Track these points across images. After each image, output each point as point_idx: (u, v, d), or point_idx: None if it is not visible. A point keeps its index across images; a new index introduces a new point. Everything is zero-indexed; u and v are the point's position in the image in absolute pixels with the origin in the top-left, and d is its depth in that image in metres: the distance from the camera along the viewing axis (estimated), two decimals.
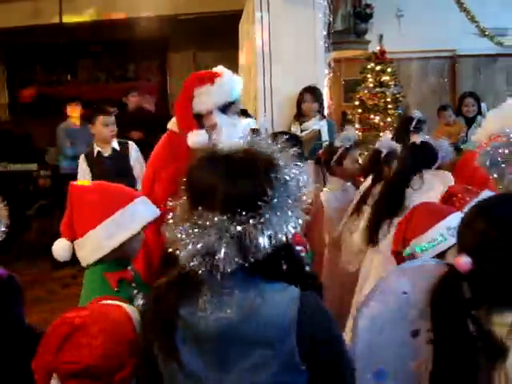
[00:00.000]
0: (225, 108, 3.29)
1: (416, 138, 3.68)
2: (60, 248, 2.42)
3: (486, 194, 2.77)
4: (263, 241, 1.49)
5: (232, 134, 3.17)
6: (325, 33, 6.30)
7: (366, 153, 6.56)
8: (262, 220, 1.49)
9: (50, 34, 9.42)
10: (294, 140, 3.51)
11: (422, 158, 3.50)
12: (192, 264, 1.52)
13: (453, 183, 3.31)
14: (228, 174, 1.55)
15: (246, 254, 1.50)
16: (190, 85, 3.30)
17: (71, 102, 8.07)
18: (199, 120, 3.28)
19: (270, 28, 5.98)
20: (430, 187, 3.29)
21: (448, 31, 9.05)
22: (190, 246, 1.51)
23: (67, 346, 1.80)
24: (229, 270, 1.50)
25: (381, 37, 7.32)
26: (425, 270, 1.54)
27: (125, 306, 2.02)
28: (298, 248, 2.60)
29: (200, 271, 1.53)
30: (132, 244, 2.38)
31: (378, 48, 7.24)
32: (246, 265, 1.52)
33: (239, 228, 1.48)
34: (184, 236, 1.53)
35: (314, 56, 6.07)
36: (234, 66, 6.78)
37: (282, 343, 1.52)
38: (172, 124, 3.43)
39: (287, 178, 1.55)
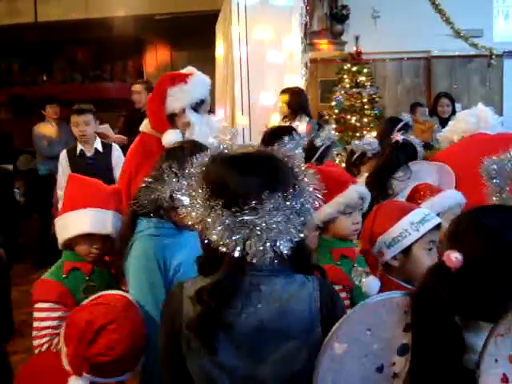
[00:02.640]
0: (197, 106, 3.33)
1: (398, 137, 3.73)
2: None
3: (449, 193, 2.83)
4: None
5: (205, 132, 3.21)
6: (301, 33, 6.31)
7: (342, 153, 6.63)
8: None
9: (26, 33, 9.33)
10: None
11: (405, 156, 3.56)
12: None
13: (451, 175, 3.36)
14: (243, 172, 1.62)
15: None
16: (163, 85, 3.34)
17: (48, 102, 7.98)
18: (172, 120, 3.31)
19: (246, 28, 5.98)
20: (418, 177, 3.34)
21: (423, 32, 9.13)
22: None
23: (100, 340, 2.00)
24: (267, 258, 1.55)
25: (357, 38, 7.38)
26: (390, 303, 1.53)
27: (127, 295, 2.23)
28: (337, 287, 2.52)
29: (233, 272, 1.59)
30: (81, 245, 2.55)
31: (354, 49, 7.29)
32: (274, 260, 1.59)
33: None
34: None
35: (291, 57, 6.08)
36: (210, 66, 6.77)
37: (310, 334, 1.60)
38: (144, 126, 3.44)
39: (303, 184, 1.64)
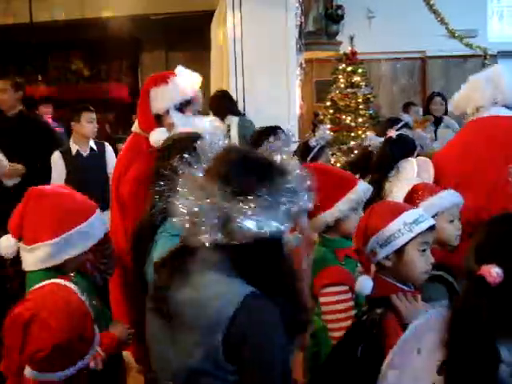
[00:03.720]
0: (182, 107, 3.33)
1: (391, 133, 3.70)
2: (6, 246, 2.41)
3: (447, 193, 2.82)
4: (245, 225, 1.55)
5: None
6: (296, 34, 6.33)
7: (337, 153, 6.65)
8: (249, 206, 1.56)
9: (21, 33, 9.32)
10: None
11: (401, 151, 3.53)
12: (184, 226, 1.62)
13: (431, 170, 3.32)
14: (239, 162, 1.67)
15: (229, 234, 1.57)
16: (146, 86, 3.36)
17: (43, 102, 7.97)
18: (159, 120, 3.32)
19: (242, 29, 5.99)
20: (406, 175, 3.32)
21: (418, 33, 9.15)
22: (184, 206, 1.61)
23: (28, 339, 1.87)
24: (207, 243, 1.58)
25: (352, 38, 7.38)
26: (437, 319, 1.51)
27: (58, 280, 2.10)
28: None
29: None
30: (76, 259, 2.40)
31: (349, 49, 7.30)
32: (218, 253, 1.62)
33: (227, 204, 1.57)
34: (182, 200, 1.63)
35: (286, 57, 6.09)
36: (206, 66, 6.78)
37: (210, 336, 1.58)
38: (135, 126, 3.46)
39: (289, 183, 1.63)
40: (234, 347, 1.57)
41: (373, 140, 4.11)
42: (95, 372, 2.33)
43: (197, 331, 1.60)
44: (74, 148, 5.26)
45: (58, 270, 2.37)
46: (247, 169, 1.65)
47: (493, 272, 1.39)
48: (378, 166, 3.59)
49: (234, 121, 5.80)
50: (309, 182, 1.70)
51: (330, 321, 2.51)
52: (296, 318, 1.71)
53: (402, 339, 1.56)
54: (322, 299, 2.53)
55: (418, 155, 3.68)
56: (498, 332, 1.42)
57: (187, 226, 1.61)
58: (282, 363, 1.64)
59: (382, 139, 4.00)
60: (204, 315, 1.59)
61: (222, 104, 5.91)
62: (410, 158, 3.48)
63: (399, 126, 4.26)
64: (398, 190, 3.14)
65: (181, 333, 1.65)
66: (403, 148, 3.57)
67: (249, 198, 1.57)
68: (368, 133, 6.55)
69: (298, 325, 1.74)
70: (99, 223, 2.46)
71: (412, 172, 3.29)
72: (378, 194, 3.34)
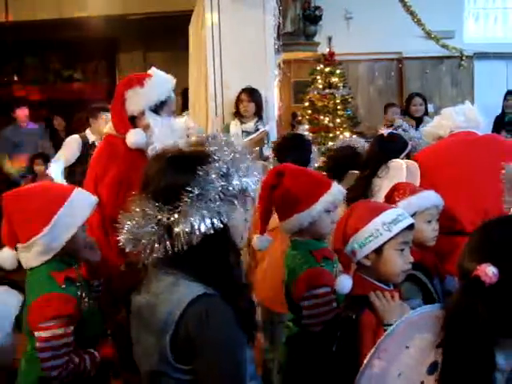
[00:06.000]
0: (157, 108, 3.34)
1: (383, 130, 3.70)
2: (5, 258, 2.47)
3: (427, 193, 2.83)
4: (186, 229, 1.59)
5: (165, 134, 3.22)
6: (274, 34, 6.33)
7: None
8: (180, 210, 1.60)
9: None
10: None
11: (391, 149, 3.53)
12: (128, 247, 1.67)
13: (418, 173, 3.33)
14: (159, 169, 1.70)
15: (170, 243, 1.62)
16: (120, 88, 3.36)
17: (18, 104, 7.96)
18: (133, 122, 3.32)
19: (220, 29, 5.99)
20: (395, 175, 3.31)
21: (395, 34, 9.22)
22: (125, 230, 1.67)
23: None
24: (153, 255, 1.64)
25: (330, 39, 7.41)
26: (430, 316, 1.50)
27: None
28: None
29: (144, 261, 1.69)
30: (77, 237, 2.45)
31: (327, 50, 7.32)
32: (170, 255, 1.65)
33: (165, 217, 1.61)
34: (125, 221, 1.68)
35: (264, 57, 6.09)
36: (184, 66, 6.77)
37: (161, 337, 1.62)
38: (109, 127, 3.45)
39: (215, 173, 1.63)
40: (182, 348, 1.60)
41: (359, 142, 4.13)
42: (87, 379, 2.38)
43: (153, 334, 1.64)
44: (91, 137, 5.64)
45: (61, 262, 2.44)
46: (167, 173, 1.67)
47: (489, 271, 1.37)
48: (367, 163, 3.56)
49: (272, 125, 5.69)
50: (248, 157, 1.71)
51: (313, 324, 2.50)
52: (249, 315, 1.74)
53: (395, 328, 1.54)
54: (305, 303, 2.52)
55: (408, 155, 3.67)
56: (495, 335, 1.40)
57: (131, 245, 1.66)
58: (242, 361, 1.66)
59: (363, 140, 4.02)
60: (157, 318, 1.63)
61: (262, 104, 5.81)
62: (399, 160, 3.47)
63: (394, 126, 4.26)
64: (383, 190, 3.14)
65: (141, 334, 1.70)
66: (394, 146, 3.56)
67: (178, 201, 1.60)
68: (346, 133, 6.61)
69: (252, 322, 1.75)
70: (82, 198, 2.52)
71: (401, 173, 3.28)
72: (365, 191, 3.34)
